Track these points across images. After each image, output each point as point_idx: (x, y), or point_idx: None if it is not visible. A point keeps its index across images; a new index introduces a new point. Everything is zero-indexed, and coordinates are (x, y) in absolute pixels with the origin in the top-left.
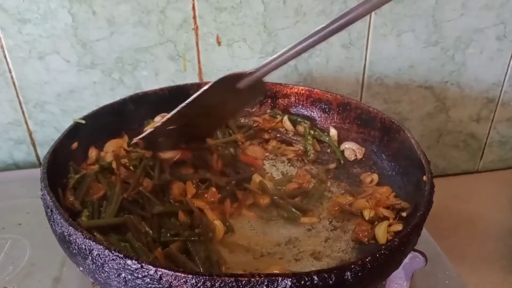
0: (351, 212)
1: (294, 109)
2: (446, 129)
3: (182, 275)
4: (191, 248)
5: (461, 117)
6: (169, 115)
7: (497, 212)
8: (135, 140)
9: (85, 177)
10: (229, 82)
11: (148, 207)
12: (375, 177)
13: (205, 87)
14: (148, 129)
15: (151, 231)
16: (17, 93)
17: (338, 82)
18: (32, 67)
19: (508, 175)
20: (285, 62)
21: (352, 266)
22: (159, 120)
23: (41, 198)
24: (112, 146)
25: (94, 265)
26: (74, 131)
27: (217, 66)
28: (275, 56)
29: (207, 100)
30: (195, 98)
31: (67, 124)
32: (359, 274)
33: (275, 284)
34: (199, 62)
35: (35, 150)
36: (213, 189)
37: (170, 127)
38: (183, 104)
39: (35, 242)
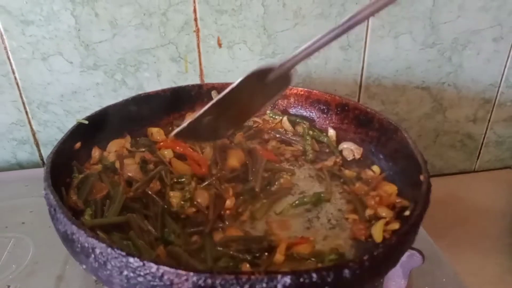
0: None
1: (293, 110)
2: (443, 129)
3: (184, 272)
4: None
5: (458, 118)
6: (204, 108)
7: (493, 211)
8: (172, 134)
9: (89, 176)
10: (259, 76)
11: (152, 206)
12: (376, 168)
13: (238, 81)
14: (183, 124)
15: (153, 230)
16: (20, 93)
17: (336, 84)
18: (35, 68)
19: (505, 175)
20: (310, 54)
21: (350, 264)
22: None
23: (45, 197)
24: (115, 146)
25: (97, 263)
26: (77, 131)
27: (218, 67)
28: (301, 48)
29: (238, 94)
30: (228, 92)
31: (70, 124)
32: (357, 272)
33: (275, 281)
34: (200, 64)
35: (39, 150)
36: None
37: (204, 119)
38: (218, 97)
39: (38, 241)
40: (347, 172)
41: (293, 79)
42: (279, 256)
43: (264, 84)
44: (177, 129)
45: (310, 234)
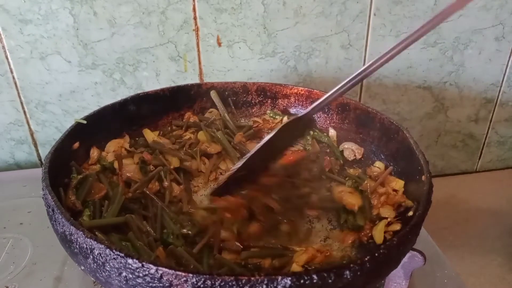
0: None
1: (294, 110)
2: (445, 129)
3: (183, 274)
4: None
5: (459, 117)
6: (239, 164)
7: (495, 212)
8: (211, 191)
9: (87, 177)
10: (289, 127)
11: (151, 207)
12: (380, 164)
13: (270, 136)
14: (222, 179)
15: (152, 231)
16: (18, 93)
17: (337, 83)
18: (33, 68)
19: (507, 175)
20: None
21: (351, 265)
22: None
23: (43, 197)
24: (113, 146)
25: (95, 264)
26: (76, 131)
27: (217, 66)
28: (325, 96)
29: (269, 146)
30: (261, 146)
31: (68, 124)
32: (358, 273)
33: (275, 283)
34: (199, 63)
35: (37, 150)
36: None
37: (240, 173)
38: (252, 152)
39: (37, 242)
40: (351, 170)
41: (314, 122)
42: (296, 267)
43: (291, 131)
44: (213, 188)
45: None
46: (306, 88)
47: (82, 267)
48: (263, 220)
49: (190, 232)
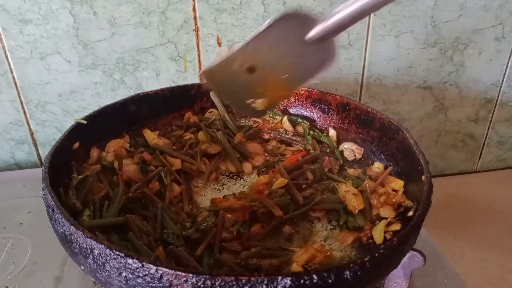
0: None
1: (294, 110)
2: (445, 129)
3: (183, 274)
4: None
5: (459, 118)
6: (237, 49)
7: (495, 212)
8: (201, 71)
9: (87, 177)
10: (298, 24)
11: (151, 207)
12: (379, 164)
13: (273, 19)
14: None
15: (153, 231)
16: (18, 93)
17: (337, 83)
18: (33, 68)
19: (506, 175)
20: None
21: (351, 265)
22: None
23: (43, 197)
24: (113, 146)
25: (95, 264)
26: (76, 131)
27: None
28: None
29: (272, 43)
30: (262, 33)
31: (68, 124)
32: (358, 273)
33: (275, 283)
34: (199, 63)
35: (37, 150)
36: None
37: (236, 65)
38: (252, 36)
39: (37, 242)
40: (351, 170)
41: (336, 50)
42: (296, 267)
43: (304, 42)
44: (205, 67)
45: (311, 234)
46: (306, 88)
47: (82, 267)
48: (265, 222)
49: (192, 236)
